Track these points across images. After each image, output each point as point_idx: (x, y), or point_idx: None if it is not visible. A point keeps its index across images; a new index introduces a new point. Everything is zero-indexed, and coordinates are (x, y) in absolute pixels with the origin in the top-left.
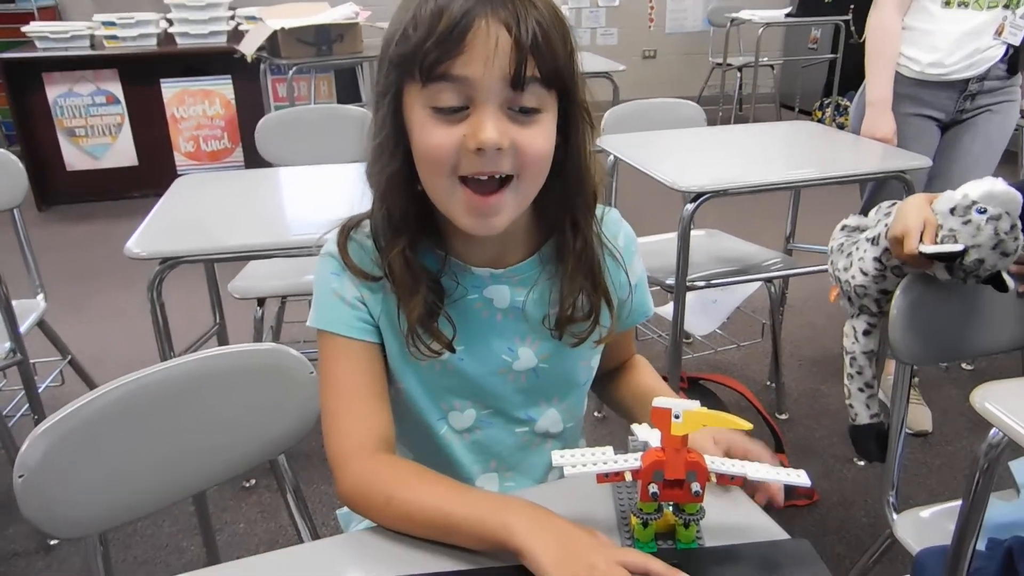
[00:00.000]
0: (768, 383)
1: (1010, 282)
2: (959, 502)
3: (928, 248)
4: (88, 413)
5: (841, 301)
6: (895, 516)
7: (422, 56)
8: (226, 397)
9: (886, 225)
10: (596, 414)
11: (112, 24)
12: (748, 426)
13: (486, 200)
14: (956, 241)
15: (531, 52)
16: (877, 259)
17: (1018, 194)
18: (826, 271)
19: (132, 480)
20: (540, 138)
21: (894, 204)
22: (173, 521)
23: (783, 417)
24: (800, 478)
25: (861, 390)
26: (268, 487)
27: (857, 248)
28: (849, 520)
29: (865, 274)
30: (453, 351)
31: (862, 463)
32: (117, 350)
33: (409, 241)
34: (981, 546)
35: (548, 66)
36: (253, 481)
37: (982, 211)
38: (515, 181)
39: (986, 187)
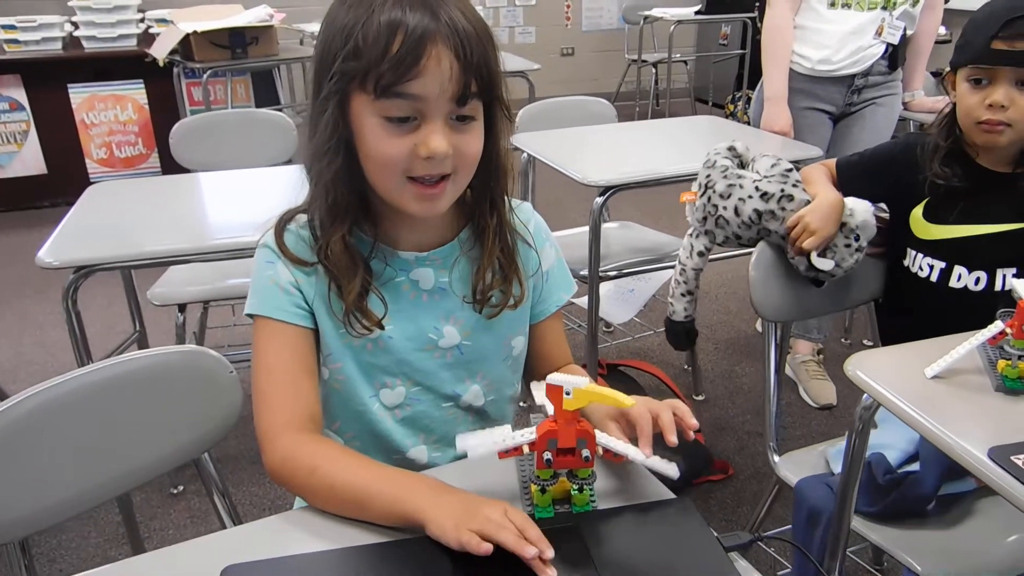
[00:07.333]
0: (685, 367)
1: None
2: (828, 442)
3: (817, 261)
4: (5, 422)
5: (688, 210)
6: (777, 458)
7: (377, 75)
8: (145, 399)
9: (781, 189)
10: (521, 404)
11: (12, 28)
12: (631, 403)
13: (432, 190)
14: (835, 255)
15: (474, 74)
16: (757, 211)
17: (875, 228)
18: (734, 258)
19: (53, 485)
20: (475, 142)
21: (791, 170)
22: (100, 531)
23: (700, 398)
24: (669, 469)
25: (683, 295)
26: (196, 492)
27: (743, 188)
28: (762, 492)
29: (738, 215)
30: (383, 328)
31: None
32: (31, 363)
33: (349, 227)
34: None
35: (486, 82)
36: (181, 487)
37: (857, 238)
38: (452, 176)
39: (865, 217)
